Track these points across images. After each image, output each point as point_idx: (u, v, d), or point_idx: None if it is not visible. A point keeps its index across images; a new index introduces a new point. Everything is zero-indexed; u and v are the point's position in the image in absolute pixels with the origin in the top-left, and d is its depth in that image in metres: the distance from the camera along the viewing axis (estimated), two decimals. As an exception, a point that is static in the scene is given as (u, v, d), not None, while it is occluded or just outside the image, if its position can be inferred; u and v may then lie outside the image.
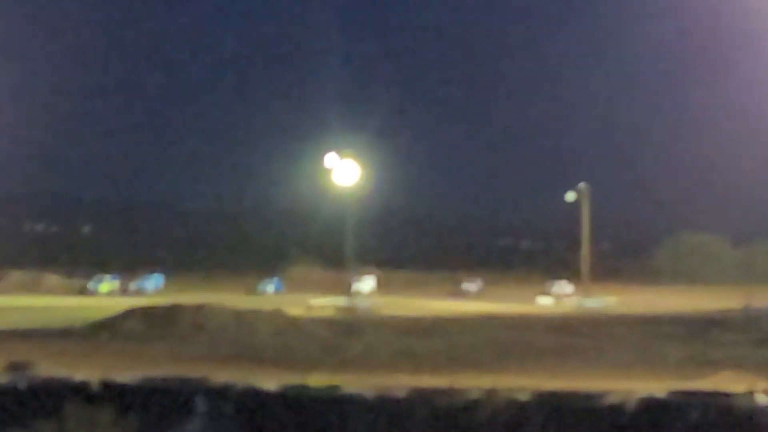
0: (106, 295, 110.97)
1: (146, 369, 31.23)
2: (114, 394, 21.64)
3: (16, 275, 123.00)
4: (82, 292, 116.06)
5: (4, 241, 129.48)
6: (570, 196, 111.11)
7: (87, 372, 24.97)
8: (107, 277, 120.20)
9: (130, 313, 65.50)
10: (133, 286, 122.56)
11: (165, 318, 63.91)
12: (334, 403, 25.04)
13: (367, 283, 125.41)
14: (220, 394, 24.48)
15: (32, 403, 20.71)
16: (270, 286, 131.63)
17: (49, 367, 31.30)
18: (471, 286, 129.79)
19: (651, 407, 23.23)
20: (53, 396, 21.05)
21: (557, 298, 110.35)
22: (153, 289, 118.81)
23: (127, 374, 25.10)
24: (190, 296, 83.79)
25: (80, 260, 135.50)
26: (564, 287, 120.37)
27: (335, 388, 26.87)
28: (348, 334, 58.46)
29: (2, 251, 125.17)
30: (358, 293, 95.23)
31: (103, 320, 64.13)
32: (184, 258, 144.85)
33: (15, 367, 31.42)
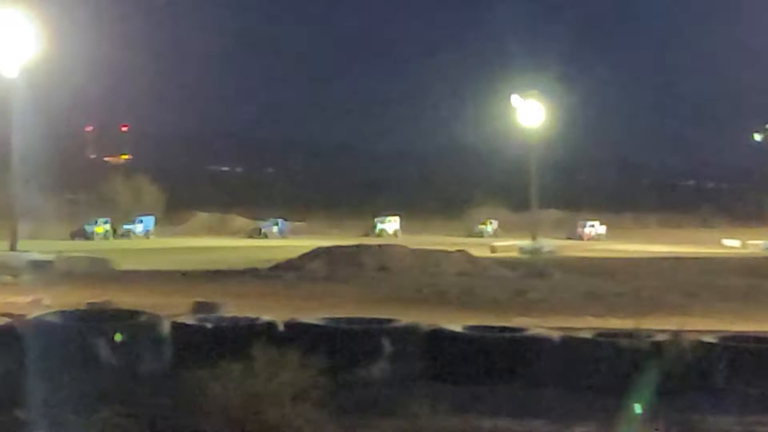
0: (102, 238, 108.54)
1: (331, 310, 31.29)
2: (300, 335, 21.54)
3: (203, 217, 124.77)
4: (252, 235, 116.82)
5: (191, 182, 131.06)
6: (757, 137, 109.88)
7: (273, 313, 24.99)
8: (100, 220, 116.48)
9: (314, 254, 65.97)
10: (120, 229, 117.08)
11: (349, 259, 64.31)
12: (520, 344, 24.71)
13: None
14: (405, 335, 24.33)
15: (219, 343, 20.69)
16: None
17: (235, 308, 31.59)
18: None
19: None
20: (240, 337, 21.01)
21: (744, 240, 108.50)
22: (142, 233, 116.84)
23: (312, 315, 25.04)
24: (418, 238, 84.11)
25: (264, 202, 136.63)
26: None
27: (521, 329, 26.50)
28: (532, 276, 58.15)
29: (189, 193, 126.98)
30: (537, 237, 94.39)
31: (288, 261, 64.61)
32: (373, 199, 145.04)
33: (202, 307, 31.73)
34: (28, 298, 38.26)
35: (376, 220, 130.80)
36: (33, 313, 22.99)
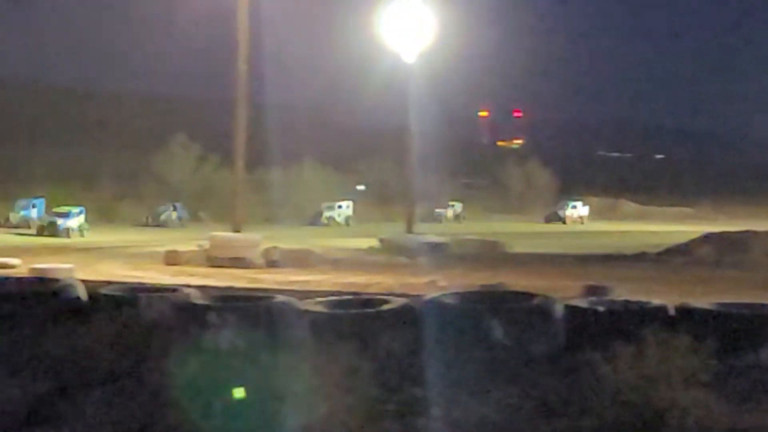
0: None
1: (720, 295, 30.79)
2: (690, 320, 21.31)
3: (593, 201, 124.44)
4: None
5: (582, 167, 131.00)
6: None
7: (661, 297, 24.76)
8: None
9: (703, 239, 65.10)
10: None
11: (739, 244, 63.22)
12: None
13: None
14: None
15: (610, 326, 20.63)
16: None
17: (625, 292, 31.48)
18: None
19: None
20: (631, 320, 20.92)
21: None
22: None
23: (702, 300, 24.70)
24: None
25: (652, 188, 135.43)
26: None
27: None
28: None
29: (580, 178, 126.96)
30: None
31: (677, 245, 63.95)
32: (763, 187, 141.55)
33: (592, 290, 31.76)
34: (425, 279, 39.06)
35: (323, 205, 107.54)
36: (429, 294, 23.48)
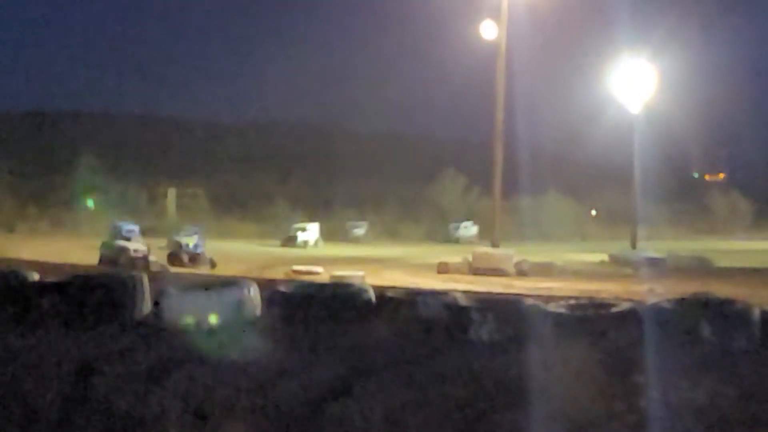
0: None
1: None
2: None
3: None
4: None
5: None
6: None
7: None
8: None
9: None
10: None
11: None
12: None
13: None
14: None
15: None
16: None
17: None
18: None
19: None
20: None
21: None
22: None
23: None
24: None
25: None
26: None
27: None
28: None
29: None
30: None
31: None
32: None
33: (786, 298, 30.57)
34: (645, 288, 38.52)
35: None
36: (649, 300, 23.16)
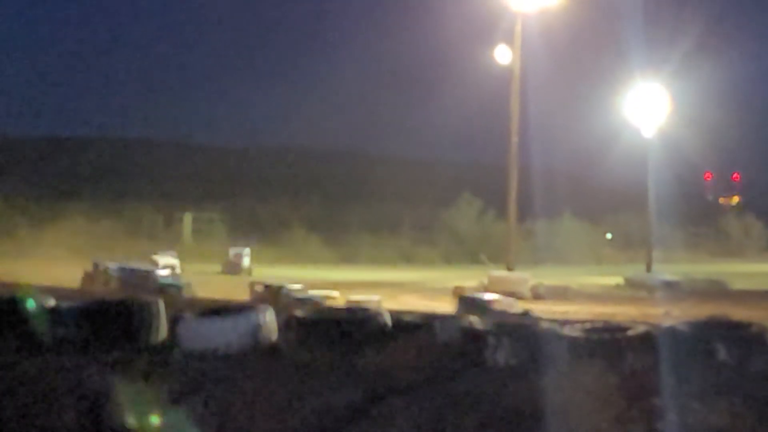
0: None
1: None
2: None
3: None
4: None
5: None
6: None
7: None
8: None
9: None
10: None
11: None
12: None
13: None
14: None
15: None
16: None
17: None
18: None
19: None
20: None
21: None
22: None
23: None
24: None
25: None
26: None
27: None
28: None
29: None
30: None
31: None
32: None
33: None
34: (661, 311, 38.31)
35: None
36: (665, 323, 22.97)
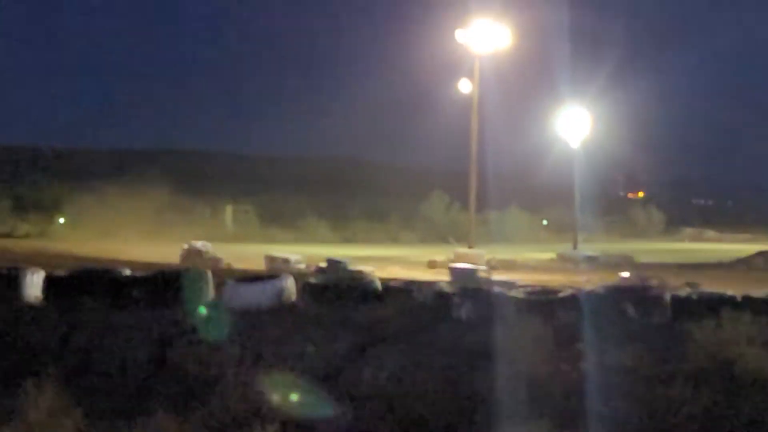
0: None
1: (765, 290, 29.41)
2: (751, 303, 20.33)
3: (687, 231, 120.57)
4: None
5: (679, 210, 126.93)
6: None
7: (733, 290, 23.65)
8: None
9: (759, 254, 62.16)
10: None
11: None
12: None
13: None
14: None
15: (700, 307, 19.82)
16: None
17: (710, 286, 30.25)
18: None
19: None
20: (713, 303, 20.05)
21: None
22: None
23: (758, 291, 23.47)
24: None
25: (727, 221, 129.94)
26: None
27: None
28: None
29: (678, 216, 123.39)
30: None
31: (740, 258, 61.25)
32: None
33: (690, 285, 30.42)
34: (584, 278, 38.30)
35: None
36: (587, 287, 22.98)
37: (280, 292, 20.03)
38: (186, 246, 52.34)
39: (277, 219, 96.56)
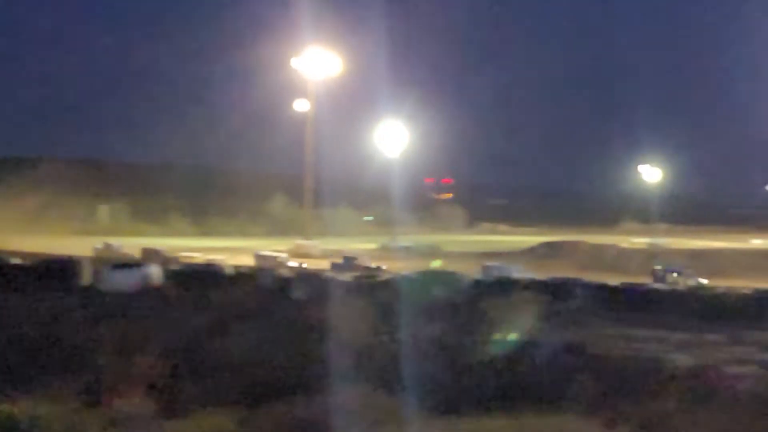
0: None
1: (550, 273, 31.12)
2: (535, 285, 21.53)
3: (484, 225, 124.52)
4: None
5: (478, 208, 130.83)
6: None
7: (521, 274, 24.88)
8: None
9: (542, 245, 65.22)
10: None
11: (557, 247, 63.31)
12: (649, 292, 24.08)
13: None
14: (587, 286, 24.07)
15: (495, 288, 20.84)
16: None
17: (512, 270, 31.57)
18: None
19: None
20: (506, 285, 21.15)
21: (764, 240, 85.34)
22: None
23: (542, 275, 24.93)
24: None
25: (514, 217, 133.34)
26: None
27: (644, 284, 25.54)
28: (653, 256, 55.18)
29: (479, 212, 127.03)
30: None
31: (527, 247, 64.07)
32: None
33: (486, 269, 31.79)
34: (400, 264, 39.10)
35: None
36: (402, 272, 23.81)
37: (147, 277, 19.98)
38: (99, 246, 50.40)
39: (146, 216, 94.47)
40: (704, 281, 34.59)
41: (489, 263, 35.73)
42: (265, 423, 11.32)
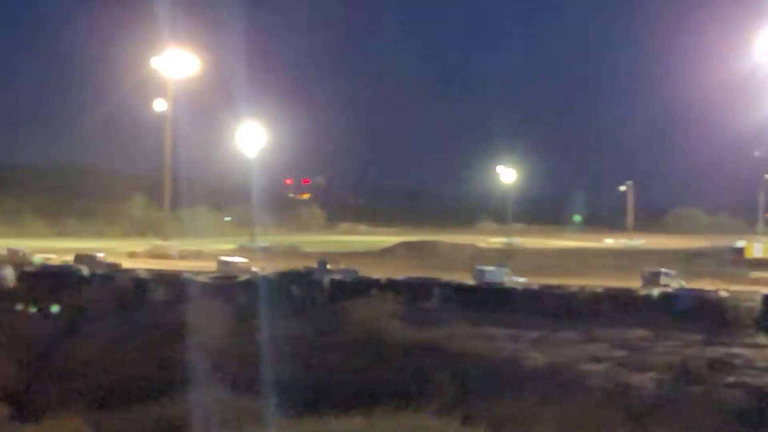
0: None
1: (408, 273, 31.46)
2: (393, 285, 21.65)
3: (343, 225, 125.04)
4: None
5: (339, 207, 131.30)
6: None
7: (379, 274, 25.08)
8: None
9: (401, 245, 66.11)
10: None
11: (418, 247, 64.40)
12: (504, 291, 24.71)
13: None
14: (446, 286, 24.45)
15: (353, 289, 20.85)
16: None
17: (362, 270, 31.80)
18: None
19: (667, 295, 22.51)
20: (363, 286, 21.17)
21: (616, 239, 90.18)
22: None
23: (399, 276, 25.10)
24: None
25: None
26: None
27: (503, 284, 26.22)
28: (509, 255, 56.84)
29: (338, 213, 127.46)
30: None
31: (386, 247, 64.86)
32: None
33: (346, 271, 31.63)
34: (259, 265, 38.72)
35: None
36: (262, 272, 23.53)
37: (1, 280, 19.01)
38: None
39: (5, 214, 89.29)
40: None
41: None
42: (121, 426, 10.82)
